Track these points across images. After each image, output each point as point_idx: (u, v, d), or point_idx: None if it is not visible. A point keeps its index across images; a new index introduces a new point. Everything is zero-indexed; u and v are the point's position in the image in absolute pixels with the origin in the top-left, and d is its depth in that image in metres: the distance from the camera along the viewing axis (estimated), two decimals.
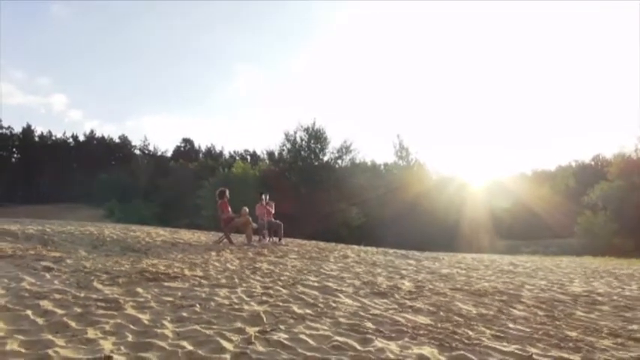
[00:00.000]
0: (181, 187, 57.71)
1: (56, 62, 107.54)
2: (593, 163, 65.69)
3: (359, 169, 47.17)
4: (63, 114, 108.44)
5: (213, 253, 8.09)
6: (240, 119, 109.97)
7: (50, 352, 2.76)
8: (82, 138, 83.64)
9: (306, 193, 39.56)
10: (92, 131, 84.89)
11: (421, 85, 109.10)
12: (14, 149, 78.92)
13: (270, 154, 51.05)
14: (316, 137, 45.04)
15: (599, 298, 6.24)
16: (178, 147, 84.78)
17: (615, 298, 6.38)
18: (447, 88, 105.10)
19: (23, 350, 2.81)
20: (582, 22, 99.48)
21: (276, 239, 11.38)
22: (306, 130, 45.06)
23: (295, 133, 45.41)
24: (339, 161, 46.44)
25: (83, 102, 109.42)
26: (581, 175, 55.04)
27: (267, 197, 11.54)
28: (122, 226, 12.86)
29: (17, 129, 77.88)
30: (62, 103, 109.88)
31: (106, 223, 18.23)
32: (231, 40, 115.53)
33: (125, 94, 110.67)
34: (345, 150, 45.89)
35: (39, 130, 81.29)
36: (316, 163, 44.67)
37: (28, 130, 78.97)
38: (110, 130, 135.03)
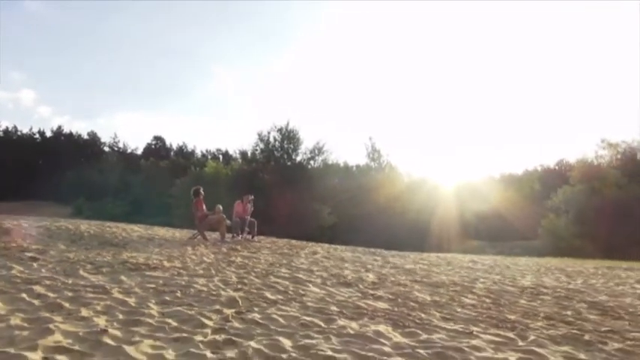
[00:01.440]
0: (152, 186, 57.23)
1: (28, 58, 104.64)
2: (557, 167, 67.83)
3: (331, 170, 47.77)
4: (32, 110, 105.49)
5: (189, 248, 8.44)
6: (215, 118, 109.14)
7: (51, 326, 3.13)
8: (48, 134, 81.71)
9: (279, 193, 39.83)
10: (60, 127, 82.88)
11: (394, 89, 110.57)
12: None
13: (243, 153, 51.12)
14: (289, 138, 45.43)
15: (544, 290, 6.88)
16: (149, 145, 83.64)
17: (559, 290, 7.04)
18: (420, 92, 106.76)
19: (26, 325, 3.17)
20: (551, 28, 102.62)
21: (249, 236, 11.74)
22: (280, 130, 45.41)
23: (269, 133, 45.72)
24: (312, 162, 46.94)
25: (54, 98, 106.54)
26: (546, 179, 56.81)
27: (250, 197, 11.95)
28: (97, 222, 13.02)
29: None
30: (30, 98, 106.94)
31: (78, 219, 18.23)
32: (209, 40, 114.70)
33: (98, 92, 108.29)
34: (317, 151, 46.36)
35: (4, 124, 78.98)
36: (289, 164, 45.04)
37: None
38: (80, 127, 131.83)
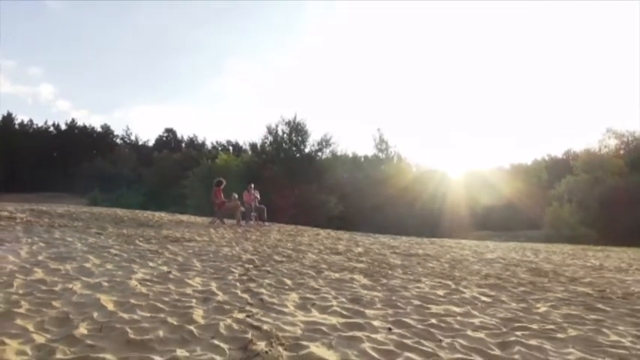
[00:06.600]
0: (165, 177, 59.14)
1: (47, 53, 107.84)
2: (565, 157, 68.49)
3: (339, 162, 49.12)
4: (50, 104, 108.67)
5: (212, 230, 10.14)
6: (225, 111, 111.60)
7: (134, 269, 4.80)
8: (63, 127, 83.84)
9: (287, 184, 41.40)
10: (73, 120, 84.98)
11: (402, 80, 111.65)
12: None
13: (253, 146, 52.69)
14: (297, 130, 46.82)
15: (501, 260, 8.44)
16: (160, 137, 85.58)
17: (514, 260, 8.59)
18: (428, 83, 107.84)
19: (117, 269, 4.83)
20: (557, 20, 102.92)
21: (260, 221, 13.38)
22: (288, 123, 46.81)
23: (277, 126, 47.14)
24: (320, 153, 48.31)
25: (72, 92, 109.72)
26: (553, 169, 57.50)
27: (254, 187, 13.65)
28: (128, 210, 14.80)
29: None
30: (50, 92, 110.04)
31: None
32: (221, 35, 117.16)
33: (113, 86, 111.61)
34: (325, 143, 47.66)
35: (20, 118, 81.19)
36: (297, 155, 46.46)
37: (8, 118, 78.80)
38: (97, 121, 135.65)
